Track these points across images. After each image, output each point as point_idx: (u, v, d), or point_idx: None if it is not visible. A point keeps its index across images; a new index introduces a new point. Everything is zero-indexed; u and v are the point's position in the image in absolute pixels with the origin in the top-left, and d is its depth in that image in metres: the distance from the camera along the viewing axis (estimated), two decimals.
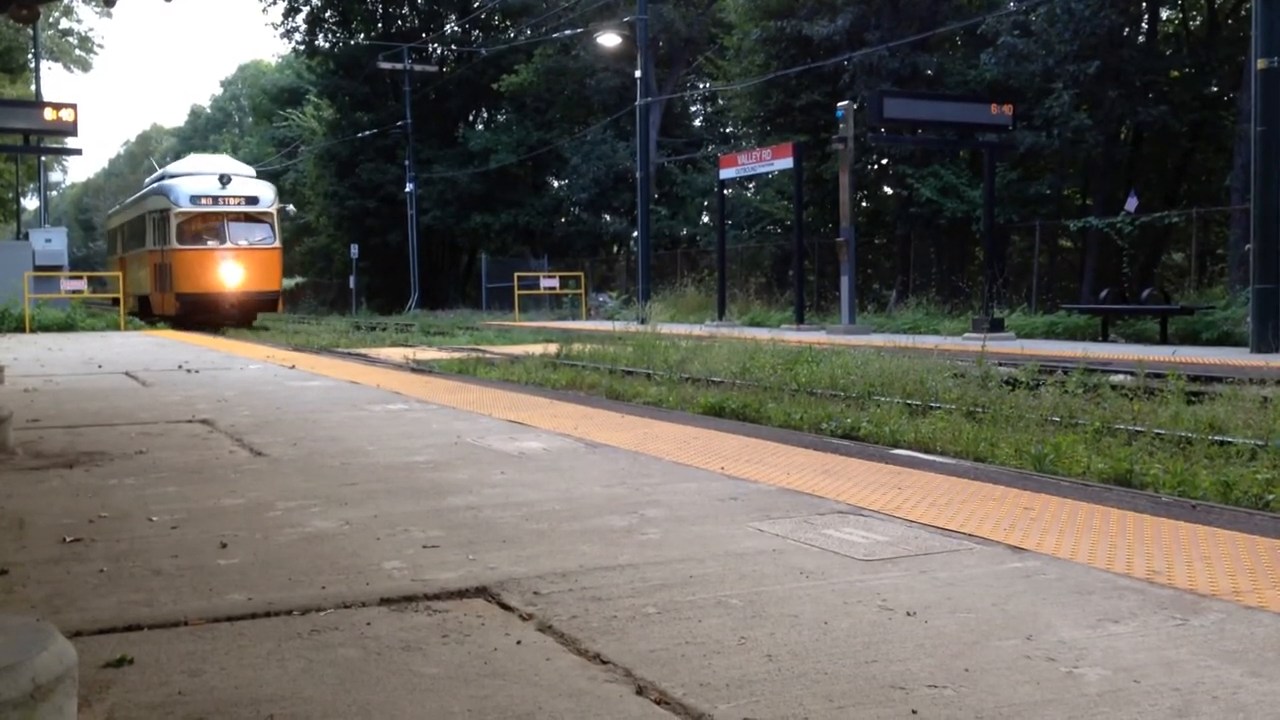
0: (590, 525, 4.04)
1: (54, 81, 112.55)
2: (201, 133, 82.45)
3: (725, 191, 26.99)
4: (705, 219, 39.66)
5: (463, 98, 47.43)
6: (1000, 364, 11.64)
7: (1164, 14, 28.30)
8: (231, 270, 27.47)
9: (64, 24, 51.19)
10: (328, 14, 48.80)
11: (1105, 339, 17.55)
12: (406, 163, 41.53)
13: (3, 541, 3.90)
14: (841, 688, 2.41)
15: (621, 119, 38.04)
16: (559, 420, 7.15)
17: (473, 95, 47.42)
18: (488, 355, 16.33)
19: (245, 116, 79.96)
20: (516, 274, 34.06)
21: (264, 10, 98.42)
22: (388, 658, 2.65)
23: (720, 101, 39.61)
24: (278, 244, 28.84)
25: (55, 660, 1.94)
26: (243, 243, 27.84)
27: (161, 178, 31.17)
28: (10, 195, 49.20)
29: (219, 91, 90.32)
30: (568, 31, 38.54)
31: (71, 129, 20.62)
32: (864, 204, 30.56)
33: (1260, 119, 13.81)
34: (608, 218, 41.45)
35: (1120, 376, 10.52)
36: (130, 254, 32.72)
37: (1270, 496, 5.49)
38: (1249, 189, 15.00)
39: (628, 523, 4.07)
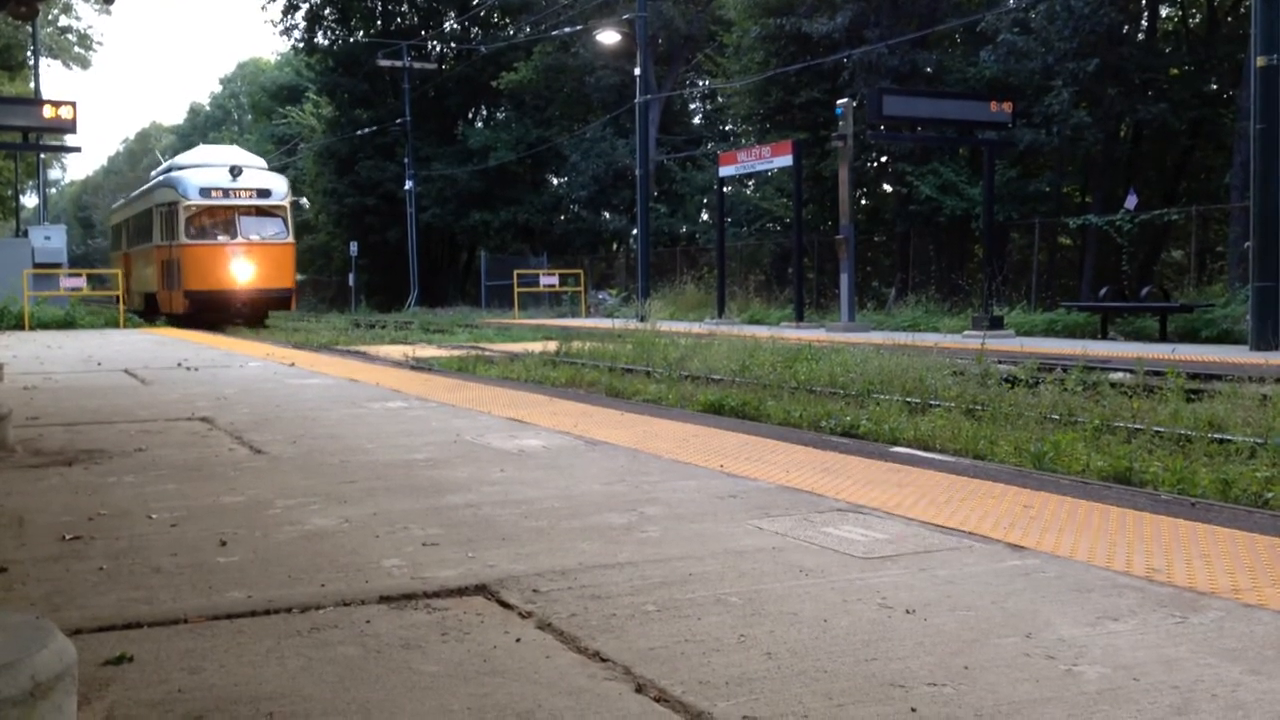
0: (590, 523, 4.04)
1: (53, 79, 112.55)
2: (201, 130, 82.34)
3: (725, 189, 26.98)
4: (705, 216, 39.65)
5: (462, 95, 47.41)
6: (1000, 362, 11.65)
7: (1163, 11, 28.29)
8: (243, 267, 26.14)
9: (63, 21, 51.17)
10: (327, 11, 48.75)
11: (1105, 337, 17.55)
12: (406, 160, 41.52)
13: (2, 539, 3.90)
14: (841, 685, 2.41)
15: (621, 116, 38.04)
16: (558, 418, 7.16)
17: (472, 93, 47.40)
18: (487, 353, 16.33)
19: (244, 114, 79.91)
20: (516, 271, 34.04)
21: (263, 8, 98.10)
22: (387, 655, 2.65)
23: (720, 99, 39.59)
24: (291, 239, 27.55)
25: (55, 658, 1.94)
26: (255, 238, 26.48)
27: (169, 169, 29.72)
28: (9, 193, 49.18)
29: (218, 89, 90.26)
30: (567, 29, 38.52)
31: (70, 126, 20.61)
32: (863, 201, 30.55)
33: (1260, 117, 13.80)
34: (607, 215, 41.44)
35: (1120, 374, 10.52)
36: (136, 250, 31.35)
37: (1269, 494, 5.49)
38: (1248, 187, 14.99)
39: (627, 520, 4.07)
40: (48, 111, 20.43)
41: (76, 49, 52.91)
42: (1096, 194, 26.07)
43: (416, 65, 41.98)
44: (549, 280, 33.85)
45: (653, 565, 3.43)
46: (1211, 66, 25.30)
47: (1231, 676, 2.45)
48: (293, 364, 12.30)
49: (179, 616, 2.97)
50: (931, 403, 8.91)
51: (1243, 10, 24.59)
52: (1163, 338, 16.76)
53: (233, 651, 2.69)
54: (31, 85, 41.89)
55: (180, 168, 28.40)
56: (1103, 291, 18.61)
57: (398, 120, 42.10)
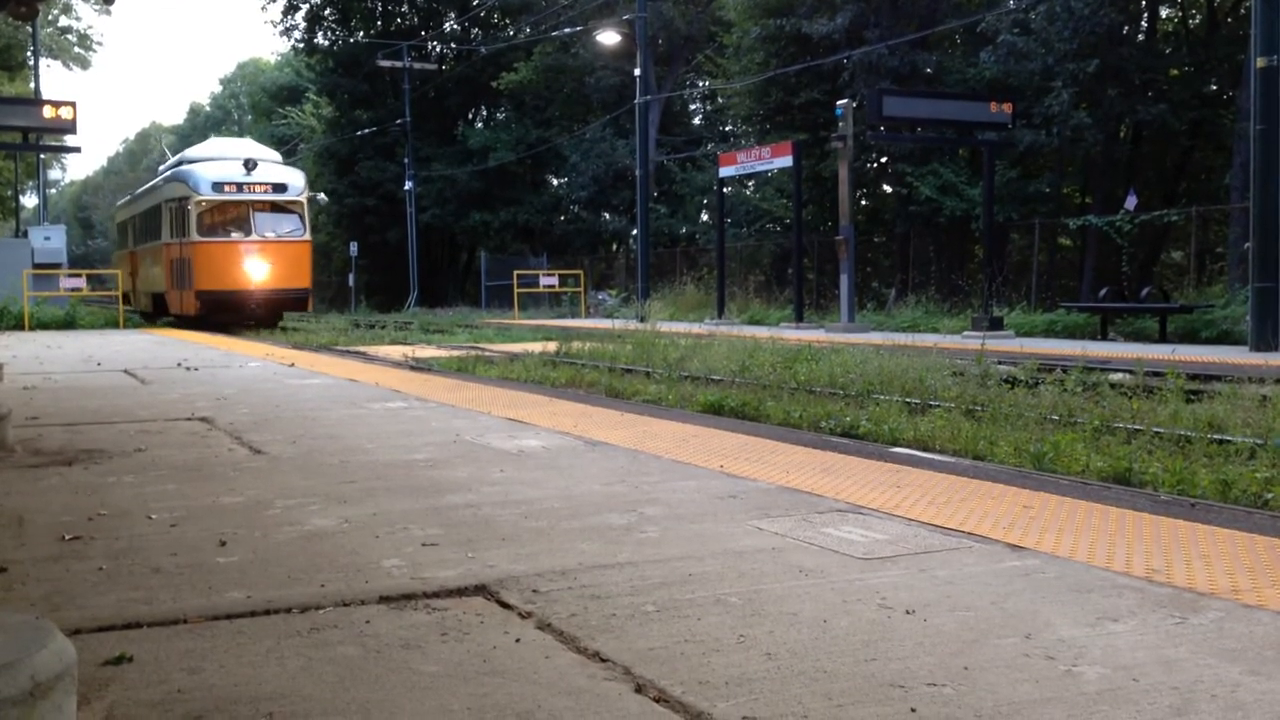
0: (589, 523, 4.04)
1: (53, 79, 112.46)
2: (201, 130, 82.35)
3: (724, 190, 26.99)
4: (704, 217, 39.65)
5: (462, 96, 47.42)
6: (999, 362, 11.65)
7: (1163, 12, 28.30)
8: (258, 266, 24.63)
9: (63, 21, 51.20)
10: (327, 12, 48.77)
11: (1104, 337, 17.55)
12: (406, 160, 41.52)
13: (2, 539, 3.90)
14: (841, 686, 2.41)
15: (621, 117, 38.04)
16: (558, 418, 7.16)
17: (472, 93, 47.41)
18: (487, 353, 16.33)
19: (244, 114, 79.90)
20: (516, 272, 34.03)
21: (263, 8, 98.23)
22: (387, 656, 2.65)
23: (719, 99, 39.60)
24: (308, 237, 25.98)
25: (54, 658, 1.94)
26: (270, 235, 24.96)
27: (179, 163, 28.06)
28: (9, 193, 49.20)
29: (218, 89, 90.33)
30: (567, 29, 38.53)
31: (70, 127, 20.60)
32: (863, 202, 30.55)
33: (1259, 117, 13.80)
34: (607, 216, 41.45)
35: (1119, 375, 10.52)
36: (143, 248, 29.73)
37: (1269, 495, 5.49)
38: (1248, 187, 15.00)
39: (627, 521, 4.07)
40: (48, 112, 20.42)
41: (76, 49, 52.95)
42: (1096, 195, 26.08)
43: (416, 66, 41.99)
44: (549, 281, 33.84)
45: (652, 565, 3.43)
46: (1211, 67, 25.31)
47: (1231, 677, 2.45)
48: (292, 364, 12.30)
49: (179, 617, 2.97)
50: (931, 403, 8.91)
51: (1242, 11, 24.60)
52: (1162, 338, 16.76)
53: (232, 652, 2.69)
54: (31, 85, 41.91)
55: (191, 161, 27.01)
56: (1102, 292, 18.61)
57: (398, 121, 42.11)
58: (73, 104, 20.27)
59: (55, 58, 52.11)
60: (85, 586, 3.28)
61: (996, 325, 18.13)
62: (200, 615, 2.98)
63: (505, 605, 3.06)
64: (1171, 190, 26.72)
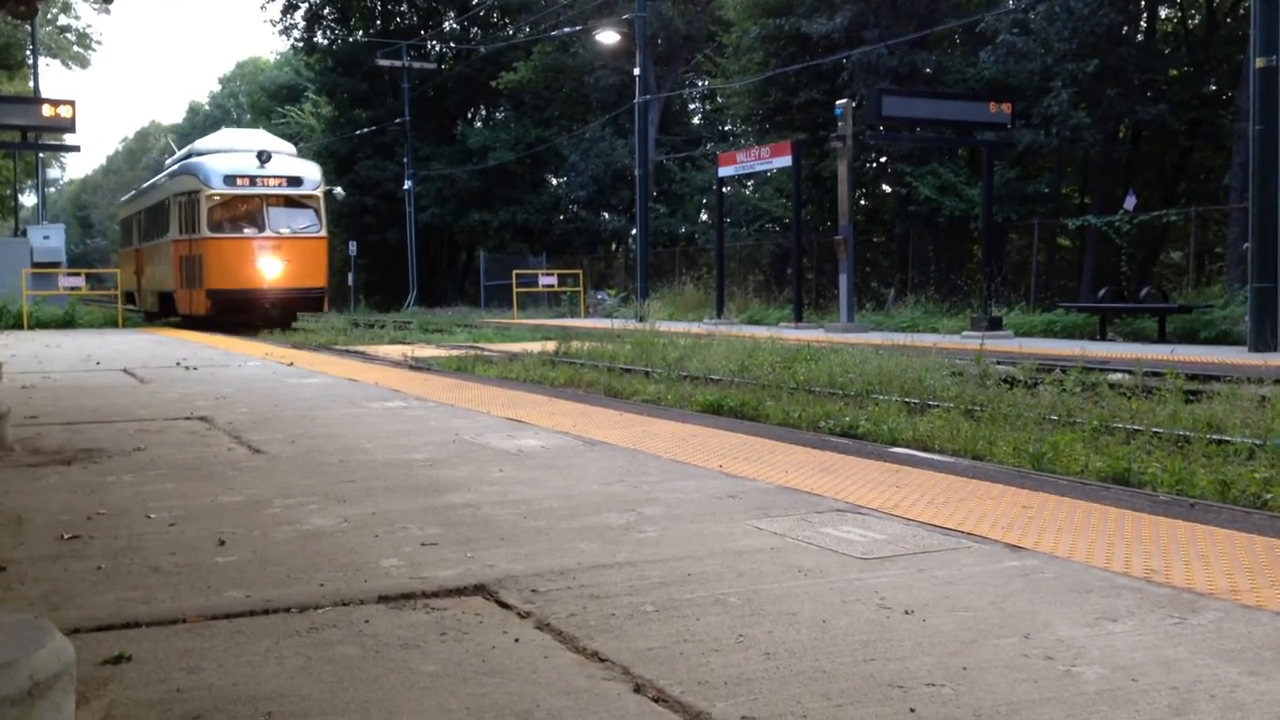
0: (588, 523, 4.04)
1: (52, 78, 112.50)
2: (200, 130, 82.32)
3: (724, 189, 26.98)
4: (704, 217, 39.65)
5: (461, 95, 47.41)
6: (998, 362, 11.65)
7: (1163, 12, 28.31)
8: (272, 263, 23.45)
9: (62, 20, 51.19)
10: (326, 11, 48.76)
11: (1103, 337, 17.55)
12: (405, 160, 41.50)
13: (1, 538, 3.90)
14: (840, 686, 2.41)
15: (620, 116, 38.04)
16: (557, 418, 7.16)
17: (471, 93, 47.40)
18: (486, 353, 16.33)
19: (244, 114, 79.81)
20: (515, 271, 34.02)
21: (262, 7, 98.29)
22: (386, 655, 2.65)
23: (719, 99, 39.60)
24: (324, 233, 24.75)
25: (53, 657, 1.94)
26: (285, 231, 23.75)
27: (189, 155, 26.53)
28: (8, 192, 49.20)
29: (218, 88, 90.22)
30: (566, 29, 38.53)
31: (70, 125, 20.59)
32: (862, 202, 30.55)
33: (1259, 118, 13.81)
34: (606, 215, 41.45)
35: (1118, 375, 10.52)
36: (150, 245, 28.41)
37: (1268, 495, 5.49)
38: (1247, 188, 15.00)
39: (626, 520, 4.07)
40: (47, 110, 20.40)
41: (75, 48, 52.94)
42: (1095, 195, 26.09)
43: (416, 65, 41.96)
44: (548, 280, 33.84)
45: (651, 565, 3.43)
46: (1210, 68, 25.32)
47: (1230, 677, 2.45)
48: (291, 363, 12.30)
49: (177, 616, 2.97)
50: (930, 403, 8.91)
51: (1242, 11, 24.62)
52: (1161, 339, 16.76)
53: (231, 651, 2.69)
54: (31, 84, 41.90)
55: (201, 153, 25.48)
56: (1101, 292, 18.61)
57: (397, 120, 42.09)
58: (72, 103, 20.26)
59: (54, 56, 52.12)
60: (84, 586, 3.27)
61: (995, 325, 18.13)
62: (199, 615, 2.98)
63: (504, 605, 3.06)
64: (1170, 190, 26.73)
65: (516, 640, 2.75)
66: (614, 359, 13.77)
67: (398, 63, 41.10)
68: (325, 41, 49.27)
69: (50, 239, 29.13)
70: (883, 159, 29.93)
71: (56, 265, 28.08)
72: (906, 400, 9.14)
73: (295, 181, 24.19)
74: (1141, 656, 2.58)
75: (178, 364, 12.23)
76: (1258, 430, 7.11)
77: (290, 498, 4.56)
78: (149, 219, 28.70)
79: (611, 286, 37.65)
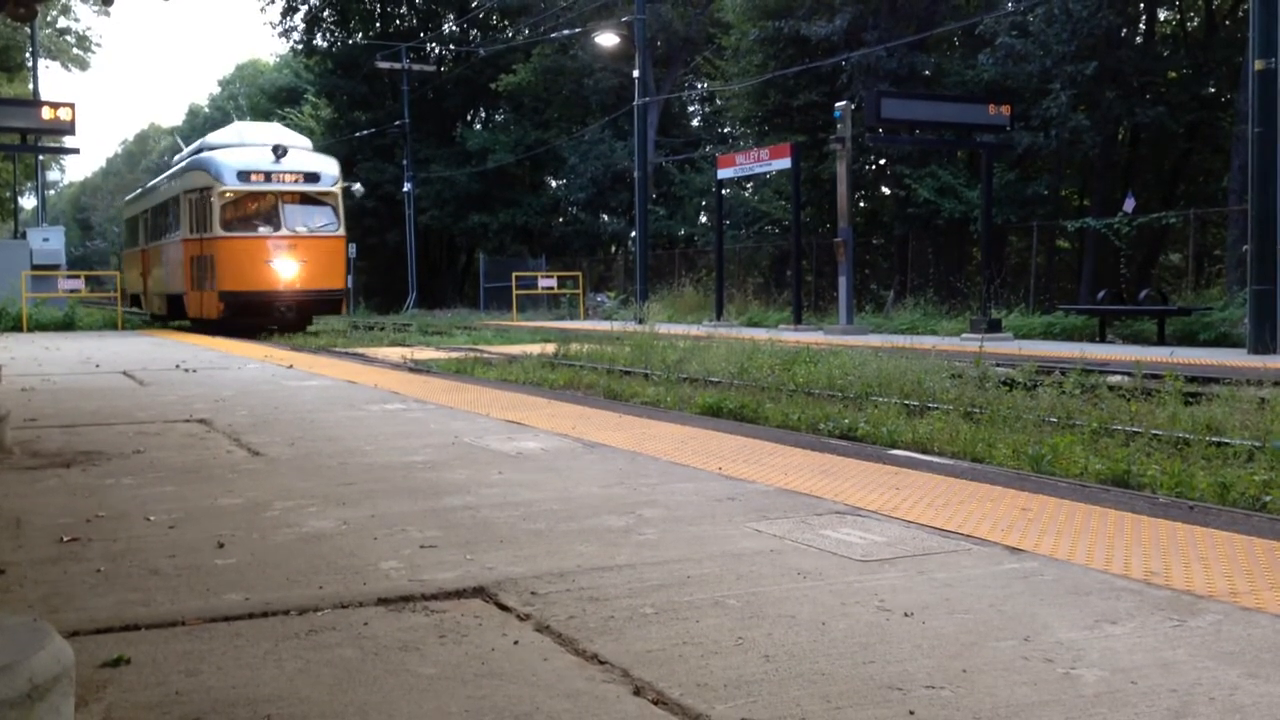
0: (588, 525, 4.04)
1: (52, 80, 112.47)
2: (200, 132, 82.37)
3: (723, 191, 26.99)
4: (703, 219, 39.66)
5: (461, 97, 47.42)
6: (998, 364, 11.65)
7: (1161, 15, 28.34)
8: (288, 264, 22.27)
9: (62, 23, 51.17)
10: (326, 13, 48.76)
11: (1103, 340, 17.55)
12: (404, 162, 41.51)
13: (0, 541, 3.89)
14: (839, 688, 2.41)
15: (619, 119, 38.05)
16: (557, 420, 7.15)
17: (471, 95, 47.41)
18: (485, 355, 16.33)
19: (243, 116, 79.71)
20: (514, 274, 34.01)
21: (262, 10, 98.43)
22: (385, 658, 2.65)
23: (718, 101, 39.62)
24: (342, 232, 23.60)
25: (52, 660, 1.94)
26: (301, 229, 22.58)
27: (200, 149, 25.22)
28: (8, 194, 49.20)
29: (217, 91, 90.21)
30: (566, 31, 38.54)
31: (69, 128, 20.57)
32: (862, 204, 30.56)
33: (1257, 120, 13.82)
34: (605, 217, 41.45)
35: (1118, 377, 10.52)
36: (157, 245, 27.14)
37: (1267, 498, 5.49)
38: (1246, 190, 15.01)
39: (625, 523, 4.07)
40: (46, 113, 20.39)
41: (75, 50, 52.92)
42: (1094, 197, 26.10)
43: (415, 67, 41.97)
44: (547, 282, 33.83)
45: (651, 568, 3.43)
46: (1209, 70, 25.34)
47: (1229, 680, 2.45)
48: (291, 366, 12.30)
49: (176, 618, 2.97)
50: (930, 405, 8.91)
51: (1240, 14, 24.64)
52: (1161, 341, 16.77)
53: (230, 654, 2.69)
54: (30, 87, 41.90)
55: (213, 148, 24.23)
56: (1101, 294, 18.62)
57: (396, 122, 42.10)
58: (71, 105, 20.25)
59: (54, 59, 52.10)
60: (83, 588, 3.27)
61: (995, 327, 18.14)
62: (198, 617, 2.98)
63: (503, 607, 3.05)
64: (1170, 193, 26.75)
65: (516, 642, 2.75)
66: (613, 361, 13.77)
67: (397, 65, 41.11)
68: (325, 44, 49.30)
69: (50, 241, 29.14)
70: (882, 161, 29.95)
71: (56, 267, 28.09)
72: (906, 402, 9.15)
73: (312, 177, 23.06)
74: (1141, 659, 2.58)
75: (177, 366, 12.23)
76: (1257, 432, 7.11)
77: (290, 500, 4.56)
78: (157, 217, 27.58)
79: (611, 289, 37.65)
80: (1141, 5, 26.58)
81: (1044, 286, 24.69)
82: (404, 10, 49.64)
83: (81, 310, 26.61)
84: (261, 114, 61.88)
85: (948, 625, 2.84)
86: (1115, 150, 26.09)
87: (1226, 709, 2.29)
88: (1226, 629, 2.81)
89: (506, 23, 46.33)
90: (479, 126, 48.80)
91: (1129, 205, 20.29)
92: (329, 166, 23.78)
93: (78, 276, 27.72)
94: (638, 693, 2.41)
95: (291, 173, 22.71)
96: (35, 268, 26.58)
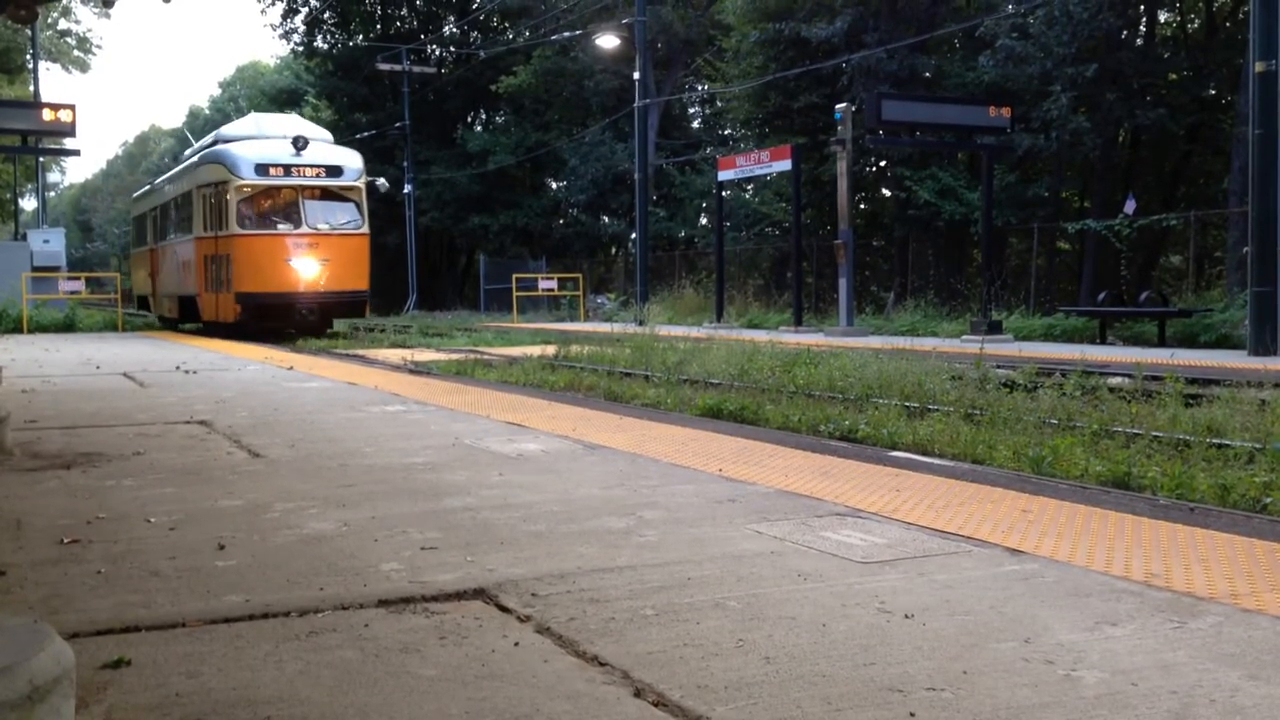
0: (588, 527, 4.04)
1: (52, 82, 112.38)
2: (200, 134, 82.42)
3: (723, 193, 26.99)
4: (703, 221, 39.67)
5: (461, 99, 47.44)
6: (998, 366, 11.65)
7: (1162, 17, 28.34)
8: (309, 263, 20.93)
9: (62, 25, 51.22)
10: (326, 15, 48.81)
11: (1103, 341, 17.55)
12: (405, 164, 41.53)
13: (0, 542, 3.89)
14: (839, 690, 2.41)
15: (620, 120, 38.07)
16: (557, 422, 7.15)
17: (471, 97, 47.44)
18: (486, 357, 16.33)
19: (243, 118, 79.86)
20: (515, 275, 33.99)
21: (262, 12, 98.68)
22: (385, 659, 2.65)
23: (719, 103, 39.64)
24: (366, 229, 22.12)
25: (52, 661, 1.94)
26: (323, 226, 21.21)
27: (215, 141, 23.61)
28: (8, 196, 49.22)
29: (218, 93, 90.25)
30: (566, 33, 38.56)
31: (70, 130, 20.59)
32: (862, 206, 30.58)
33: (1258, 122, 13.82)
34: (606, 219, 41.47)
35: (1118, 379, 10.52)
36: (168, 244, 25.66)
37: (1268, 499, 5.49)
38: (1247, 192, 15.01)
39: (626, 524, 4.07)
40: (47, 115, 20.41)
41: (76, 52, 52.97)
42: (1095, 199, 26.10)
43: (416, 69, 41.98)
44: (548, 284, 33.82)
45: (651, 569, 3.43)
46: (1210, 72, 25.35)
47: (1230, 681, 2.45)
48: (291, 367, 12.30)
49: (177, 620, 2.97)
50: (930, 407, 8.91)
51: (1241, 16, 24.64)
52: (1161, 342, 16.76)
53: (231, 655, 2.69)
54: (31, 88, 41.92)
55: (229, 140, 22.73)
56: (1101, 296, 18.61)
57: (397, 124, 42.10)
58: (72, 107, 20.28)
59: (54, 61, 52.14)
60: (83, 590, 3.27)
61: (995, 329, 18.14)
62: (199, 619, 2.98)
63: (504, 609, 3.05)
64: (1170, 194, 26.75)
65: (516, 644, 2.75)
66: (614, 363, 13.77)
67: (398, 67, 41.12)
68: (325, 46, 49.33)
69: (50, 243, 29.16)
70: (882, 163, 29.96)
71: (56, 269, 28.10)
72: (906, 404, 9.14)
73: (335, 171, 21.65)
74: (1141, 661, 2.58)
75: (177, 368, 12.23)
76: (1257, 434, 7.11)
77: (290, 502, 4.56)
78: (168, 215, 26.12)
79: (611, 290, 37.66)
80: (1142, 7, 26.59)
81: (1044, 288, 24.70)
82: (404, 12, 49.69)
83: (82, 312, 26.59)
84: None
85: (948, 627, 2.84)
86: (1116, 152, 26.10)
87: (1227, 711, 2.28)
88: (1227, 631, 2.81)
89: (507, 25, 46.36)
90: (479, 128, 48.82)
91: (1129, 207, 20.29)
92: (352, 160, 22.39)
93: (78, 278, 27.70)
94: (638, 694, 2.41)
95: (313, 166, 21.39)
96: (36, 269, 26.59)
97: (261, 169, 21.00)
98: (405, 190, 41.33)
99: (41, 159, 38.90)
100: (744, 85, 30.24)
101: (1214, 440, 6.96)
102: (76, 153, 24.66)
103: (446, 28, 48.58)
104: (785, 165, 23.23)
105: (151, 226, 28.28)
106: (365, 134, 43.95)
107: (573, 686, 2.46)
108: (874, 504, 4.40)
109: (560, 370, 13.35)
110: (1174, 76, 25.96)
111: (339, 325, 25.02)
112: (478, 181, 42.45)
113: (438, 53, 47.91)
